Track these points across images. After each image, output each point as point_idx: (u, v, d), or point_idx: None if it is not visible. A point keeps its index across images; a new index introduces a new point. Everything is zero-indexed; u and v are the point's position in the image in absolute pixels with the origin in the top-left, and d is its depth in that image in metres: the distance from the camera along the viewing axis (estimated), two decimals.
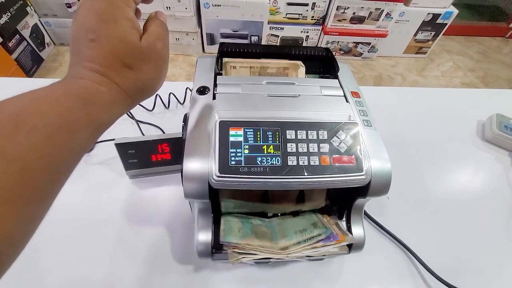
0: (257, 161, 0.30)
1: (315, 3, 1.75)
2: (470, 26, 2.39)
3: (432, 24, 1.91)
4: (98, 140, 0.54)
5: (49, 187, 0.19)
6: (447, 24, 1.91)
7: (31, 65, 1.64)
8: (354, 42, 1.94)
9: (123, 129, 0.57)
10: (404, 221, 0.49)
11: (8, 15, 1.46)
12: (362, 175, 0.31)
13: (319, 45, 1.95)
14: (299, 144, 0.31)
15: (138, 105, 0.60)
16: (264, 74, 0.43)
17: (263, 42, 1.87)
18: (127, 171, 0.49)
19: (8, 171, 0.16)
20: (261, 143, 0.31)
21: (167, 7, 1.63)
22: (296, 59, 0.44)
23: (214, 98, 0.36)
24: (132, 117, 0.59)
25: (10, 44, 1.48)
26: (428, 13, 1.84)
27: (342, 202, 0.39)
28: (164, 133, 0.58)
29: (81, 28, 0.23)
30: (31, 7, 1.63)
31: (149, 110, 0.61)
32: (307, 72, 0.45)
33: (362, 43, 1.95)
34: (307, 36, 1.93)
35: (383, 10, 1.77)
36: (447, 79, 2.02)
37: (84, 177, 0.50)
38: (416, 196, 0.54)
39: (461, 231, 0.50)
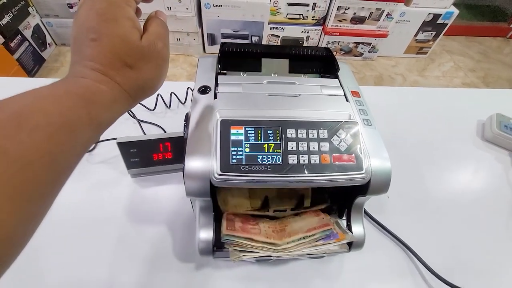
0: (258, 160, 0.30)
1: (315, 3, 1.75)
2: (470, 26, 2.39)
3: (433, 24, 1.91)
4: (100, 139, 0.55)
5: (50, 185, 0.19)
6: (447, 24, 1.91)
7: (32, 65, 1.64)
8: (354, 42, 1.94)
9: (125, 128, 0.58)
10: (404, 220, 0.49)
11: (10, 16, 1.47)
12: (362, 173, 0.31)
13: (319, 45, 1.95)
14: (299, 142, 0.31)
15: (139, 105, 0.61)
16: None
17: (264, 42, 1.87)
18: (129, 170, 0.49)
19: (10, 169, 0.16)
20: (262, 142, 0.31)
21: (168, 7, 1.63)
22: (297, 59, 0.44)
23: (215, 97, 0.36)
24: (134, 117, 0.60)
25: (12, 44, 1.49)
26: (429, 13, 1.84)
27: (342, 200, 0.39)
28: (165, 132, 0.58)
29: (82, 28, 0.23)
30: (33, 7, 1.64)
31: (151, 110, 0.61)
32: (307, 72, 0.45)
33: (362, 43, 1.95)
34: (308, 37, 1.93)
35: (383, 10, 1.77)
36: (447, 79, 2.02)
37: (86, 175, 0.50)
38: (416, 196, 0.54)
39: (461, 231, 0.50)
